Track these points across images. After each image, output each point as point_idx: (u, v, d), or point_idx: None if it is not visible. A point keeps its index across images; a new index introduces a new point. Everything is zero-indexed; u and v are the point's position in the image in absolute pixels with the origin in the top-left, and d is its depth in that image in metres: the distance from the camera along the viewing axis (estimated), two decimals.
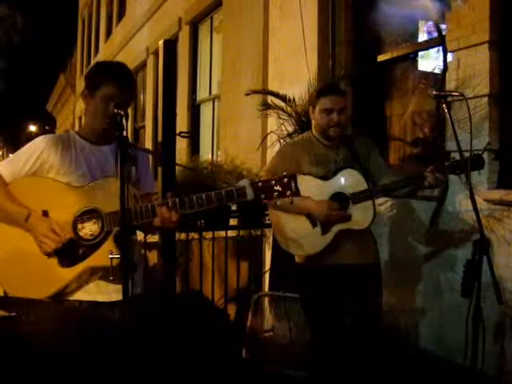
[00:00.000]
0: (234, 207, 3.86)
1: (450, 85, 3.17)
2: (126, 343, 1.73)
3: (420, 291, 3.44)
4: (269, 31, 5.28)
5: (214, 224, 3.79)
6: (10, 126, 34.84)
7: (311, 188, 2.52)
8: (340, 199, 2.51)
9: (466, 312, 2.24)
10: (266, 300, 3.79)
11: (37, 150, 1.92)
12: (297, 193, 1.76)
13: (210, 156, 7.15)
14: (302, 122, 3.73)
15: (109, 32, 14.34)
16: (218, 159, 6.46)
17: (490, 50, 2.96)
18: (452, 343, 3.07)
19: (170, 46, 3.71)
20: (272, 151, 4.04)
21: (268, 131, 4.58)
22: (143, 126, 10.55)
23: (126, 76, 1.98)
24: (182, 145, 6.41)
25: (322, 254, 2.54)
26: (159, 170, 3.46)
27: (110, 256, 1.80)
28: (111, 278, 1.82)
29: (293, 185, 1.76)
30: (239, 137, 5.77)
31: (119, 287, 1.85)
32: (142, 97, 10.83)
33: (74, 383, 1.72)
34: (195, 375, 2.58)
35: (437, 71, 3.62)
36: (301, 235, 2.56)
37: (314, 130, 2.68)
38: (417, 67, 3.93)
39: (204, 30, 7.69)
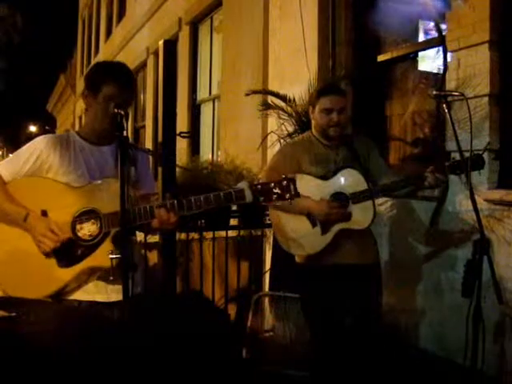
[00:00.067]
0: (234, 207, 3.86)
1: (451, 85, 3.17)
2: (127, 343, 1.73)
3: (420, 291, 3.44)
4: (269, 31, 5.28)
5: (214, 224, 3.79)
6: (10, 125, 34.85)
7: (311, 188, 2.52)
8: (340, 199, 2.51)
9: (467, 312, 2.24)
10: (267, 300, 3.79)
11: (36, 149, 1.92)
12: (296, 195, 1.76)
13: (210, 156, 7.15)
14: (302, 122, 3.73)
15: (109, 32, 14.34)
16: (218, 159, 6.46)
17: (491, 50, 2.96)
18: (452, 343, 3.07)
19: (170, 46, 3.71)
20: (272, 151, 4.04)
21: (268, 131, 4.58)
22: (143, 126, 10.55)
23: (127, 76, 1.98)
24: (182, 145, 6.41)
25: (322, 253, 2.54)
26: (159, 170, 3.47)
27: (110, 256, 1.81)
28: (111, 278, 1.83)
29: (292, 187, 1.76)
30: (239, 137, 5.77)
31: (118, 287, 1.85)
32: (142, 97, 10.83)
33: (75, 383, 1.72)
34: (195, 375, 2.58)
35: (437, 71, 3.62)
36: (301, 235, 2.56)
37: (313, 129, 2.68)
38: (417, 67, 3.93)
39: (204, 30, 7.69)
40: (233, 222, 4.05)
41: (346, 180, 2.54)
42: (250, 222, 4.01)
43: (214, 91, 7.31)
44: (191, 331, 2.65)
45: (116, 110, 1.78)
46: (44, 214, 1.86)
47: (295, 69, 4.61)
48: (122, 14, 12.83)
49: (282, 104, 4.00)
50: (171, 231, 3.11)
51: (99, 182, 1.89)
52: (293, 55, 4.71)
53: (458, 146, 2.32)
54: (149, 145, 9.41)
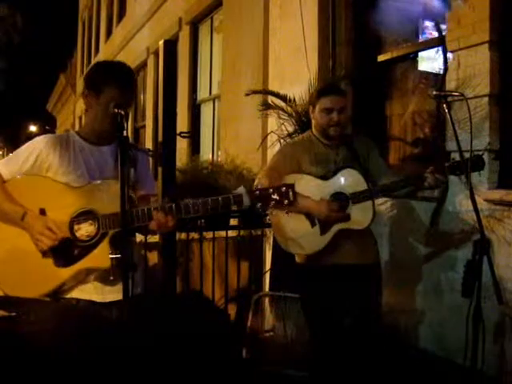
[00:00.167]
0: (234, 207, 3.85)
1: (450, 85, 3.17)
2: (126, 343, 1.73)
3: (420, 291, 3.43)
4: (269, 31, 5.28)
5: (214, 224, 3.79)
6: (10, 125, 34.83)
7: (311, 188, 2.52)
8: (340, 199, 2.51)
9: (467, 312, 2.24)
10: (267, 300, 3.80)
11: (36, 149, 1.92)
12: (294, 202, 1.78)
13: (210, 156, 7.15)
14: (303, 122, 3.73)
15: (109, 32, 14.34)
16: (219, 159, 6.46)
17: (491, 50, 2.96)
18: (452, 343, 3.07)
19: (171, 46, 3.71)
20: (272, 151, 4.04)
21: (268, 131, 4.58)
22: (143, 126, 10.55)
23: (128, 76, 1.97)
24: (182, 145, 6.41)
25: (322, 253, 2.54)
26: (159, 170, 3.46)
27: (110, 256, 1.81)
28: (111, 277, 1.83)
29: (290, 194, 1.77)
30: (239, 137, 5.77)
31: (115, 288, 1.86)
32: (142, 97, 10.84)
33: (74, 382, 1.72)
34: (195, 375, 2.58)
35: (437, 71, 3.62)
36: (300, 235, 2.56)
37: (314, 129, 2.69)
38: (417, 67, 3.93)
39: (204, 30, 7.69)
40: (233, 221, 4.05)
41: (346, 180, 2.54)
42: (250, 221, 4.01)
43: (214, 91, 7.31)
44: (191, 331, 2.64)
45: (116, 110, 1.78)
46: (42, 212, 1.87)
47: (295, 69, 4.61)
48: (122, 14, 12.83)
49: (282, 104, 4.00)
50: (171, 232, 3.11)
51: (99, 182, 1.89)
52: (293, 55, 4.71)
53: (458, 146, 2.32)
54: (149, 145, 9.41)
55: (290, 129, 3.92)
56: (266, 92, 4.44)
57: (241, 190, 1.79)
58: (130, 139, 1.91)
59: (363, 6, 4.06)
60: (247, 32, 5.75)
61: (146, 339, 1.87)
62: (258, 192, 1.78)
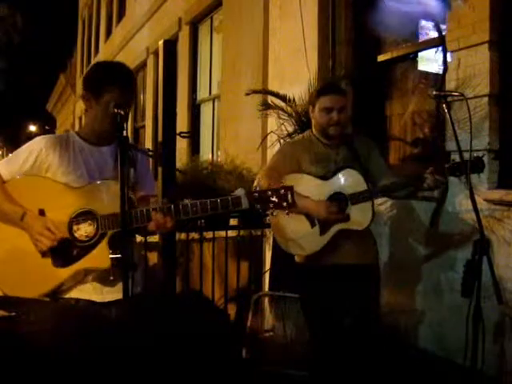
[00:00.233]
0: None
1: (450, 85, 3.17)
2: (126, 343, 1.73)
3: (420, 291, 3.43)
4: (269, 31, 5.28)
5: (214, 224, 3.79)
6: (10, 125, 34.83)
7: (310, 188, 2.52)
8: (339, 199, 2.51)
9: (466, 312, 2.24)
10: (266, 300, 3.79)
11: (35, 149, 1.92)
12: (293, 204, 1.78)
13: (210, 156, 7.15)
14: (302, 122, 3.73)
15: (109, 32, 14.34)
16: (218, 159, 6.46)
17: (490, 50, 2.96)
18: (452, 343, 3.07)
19: (170, 46, 3.71)
20: (272, 151, 4.04)
21: (268, 131, 4.58)
22: (143, 126, 10.55)
23: (128, 78, 1.97)
24: (182, 145, 6.41)
25: (321, 253, 2.54)
26: (159, 170, 3.46)
27: (110, 256, 1.81)
28: (111, 277, 1.84)
29: (289, 196, 1.78)
30: (239, 137, 5.77)
31: (114, 288, 1.87)
32: (142, 97, 10.84)
33: (74, 382, 1.72)
34: (195, 375, 2.58)
35: (437, 71, 3.62)
36: (299, 235, 2.56)
37: (314, 129, 2.68)
38: (417, 67, 3.93)
39: (204, 30, 7.69)
40: (233, 221, 4.05)
41: (346, 180, 2.54)
42: (250, 222, 4.01)
43: (214, 91, 7.31)
44: (191, 331, 2.64)
45: (116, 110, 1.78)
46: (42, 213, 1.87)
47: (295, 69, 4.61)
48: (121, 13, 12.83)
49: (282, 104, 4.00)
50: (170, 232, 3.11)
51: (98, 182, 1.90)
52: (293, 55, 4.71)
53: (458, 146, 2.32)
54: (149, 145, 9.41)
55: (290, 129, 3.92)
56: (265, 92, 4.44)
57: (240, 191, 1.80)
58: (130, 139, 1.91)
59: (363, 6, 4.06)
60: (247, 32, 5.75)
61: (145, 339, 1.87)
62: (256, 194, 1.79)
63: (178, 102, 4.39)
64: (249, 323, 3.67)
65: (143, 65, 10.40)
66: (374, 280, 2.67)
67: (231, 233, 3.97)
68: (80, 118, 17.91)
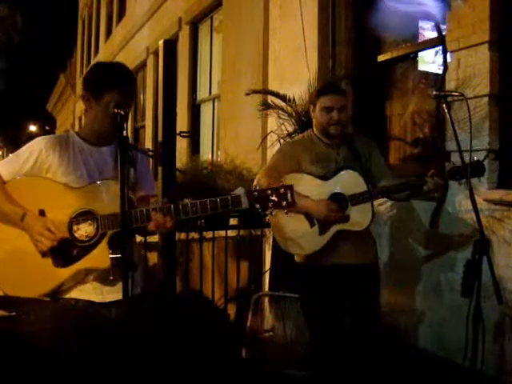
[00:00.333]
0: None
1: (450, 85, 3.17)
2: (126, 343, 1.73)
3: (420, 291, 3.43)
4: (269, 31, 5.28)
5: (214, 224, 3.79)
6: (10, 125, 34.82)
7: (310, 187, 2.52)
8: (339, 200, 2.51)
9: (466, 312, 2.24)
10: (266, 300, 3.79)
11: (36, 149, 1.92)
12: (293, 203, 1.77)
13: (210, 156, 7.15)
14: (302, 122, 3.73)
15: (109, 32, 14.34)
16: (218, 159, 6.46)
17: (490, 50, 2.96)
18: (452, 343, 3.07)
19: (170, 45, 3.71)
20: (272, 151, 4.03)
21: (268, 131, 4.58)
22: (143, 126, 10.55)
23: (127, 78, 1.97)
24: (182, 145, 6.41)
25: (321, 253, 2.54)
26: (159, 170, 3.46)
27: (110, 256, 1.81)
28: (111, 277, 1.84)
29: (289, 195, 1.77)
30: (239, 137, 5.77)
31: (114, 288, 1.87)
32: (142, 97, 10.84)
33: (74, 382, 1.72)
34: (195, 375, 2.58)
35: (437, 71, 3.62)
36: (299, 235, 2.56)
37: (314, 128, 2.69)
38: (417, 67, 3.93)
39: (204, 30, 7.69)
40: (232, 221, 4.05)
41: (346, 181, 2.54)
42: (250, 221, 4.01)
43: (214, 91, 7.31)
44: (191, 331, 2.64)
45: (116, 110, 1.78)
46: (42, 213, 1.87)
47: (295, 68, 4.61)
48: (121, 13, 12.83)
49: (282, 104, 4.00)
50: (170, 232, 3.11)
51: (98, 182, 1.90)
52: (293, 55, 4.71)
53: (458, 145, 2.32)
54: (149, 145, 9.41)
55: (290, 129, 3.92)
56: (265, 92, 4.44)
57: (239, 190, 1.80)
58: (130, 139, 1.91)
59: (363, 6, 4.06)
60: (247, 32, 5.75)
61: (145, 339, 1.87)
62: (256, 193, 1.79)
63: (178, 101, 4.38)
64: (249, 323, 3.67)
65: (143, 65, 10.40)
66: (373, 280, 2.67)
67: (231, 232, 3.97)
68: (80, 118, 17.90)
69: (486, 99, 2.98)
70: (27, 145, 1.97)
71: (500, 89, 3.01)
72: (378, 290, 2.70)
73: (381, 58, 4.04)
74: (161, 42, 3.58)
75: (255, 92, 4.34)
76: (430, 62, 3.81)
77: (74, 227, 1.85)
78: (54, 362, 1.69)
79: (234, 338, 3.58)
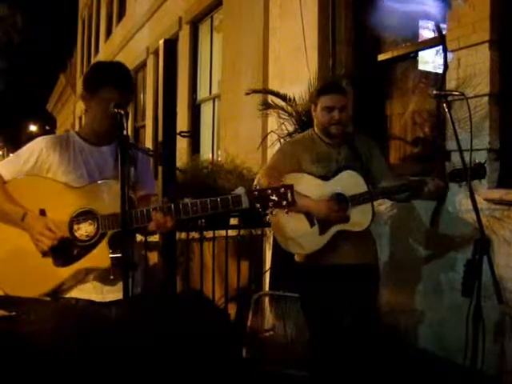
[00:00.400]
0: None
1: (451, 84, 3.17)
2: (126, 343, 1.73)
3: (420, 291, 3.43)
4: (269, 30, 5.27)
5: (214, 223, 3.79)
6: (10, 125, 34.83)
7: (311, 187, 2.52)
8: (339, 200, 2.51)
9: (467, 312, 2.24)
10: (267, 299, 3.79)
11: (36, 149, 1.93)
12: (293, 203, 1.77)
13: (210, 155, 7.15)
14: (303, 122, 3.73)
15: (109, 32, 14.34)
16: (219, 159, 6.46)
17: (491, 50, 2.96)
18: (452, 343, 3.07)
19: (170, 45, 3.71)
20: (272, 151, 4.03)
21: (268, 131, 4.58)
22: (143, 126, 10.55)
23: (125, 77, 1.97)
24: (182, 144, 6.41)
25: (321, 253, 2.54)
26: (159, 169, 3.46)
27: (110, 255, 1.81)
28: (112, 277, 1.84)
29: (289, 195, 1.77)
30: (239, 136, 5.77)
31: (114, 288, 1.87)
32: (142, 96, 10.83)
33: (74, 382, 1.72)
34: (195, 375, 2.58)
35: (437, 71, 3.62)
36: (299, 235, 2.56)
37: (315, 128, 2.69)
38: (417, 66, 3.93)
39: (204, 30, 7.69)
40: (233, 221, 4.05)
41: (346, 182, 2.54)
42: (250, 221, 4.01)
43: (214, 91, 7.31)
44: (191, 331, 2.64)
45: (116, 110, 1.78)
46: (42, 213, 1.87)
47: (295, 68, 4.61)
48: (121, 13, 12.82)
49: (282, 103, 4.00)
50: (170, 231, 3.11)
51: (99, 182, 1.90)
52: (293, 54, 4.71)
53: (458, 145, 2.31)
54: (149, 144, 9.41)
55: (290, 128, 3.91)
56: (265, 91, 4.44)
57: (240, 190, 1.80)
58: (130, 139, 1.91)
59: (363, 6, 4.05)
60: (247, 31, 5.75)
61: (145, 339, 1.87)
62: (256, 193, 1.79)
63: (178, 101, 4.38)
64: (249, 323, 3.67)
65: (143, 65, 10.39)
66: (373, 280, 2.67)
67: (231, 232, 3.97)
68: (80, 118, 17.90)
69: (486, 98, 2.97)
70: (28, 145, 1.97)
71: (500, 88, 3.00)
72: (377, 290, 2.70)
73: (381, 57, 4.04)
74: (161, 42, 3.58)
75: (255, 91, 4.34)
76: (430, 61, 3.81)
77: (75, 227, 1.85)
78: (54, 361, 1.69)
79: (234, 337, 3.58)
